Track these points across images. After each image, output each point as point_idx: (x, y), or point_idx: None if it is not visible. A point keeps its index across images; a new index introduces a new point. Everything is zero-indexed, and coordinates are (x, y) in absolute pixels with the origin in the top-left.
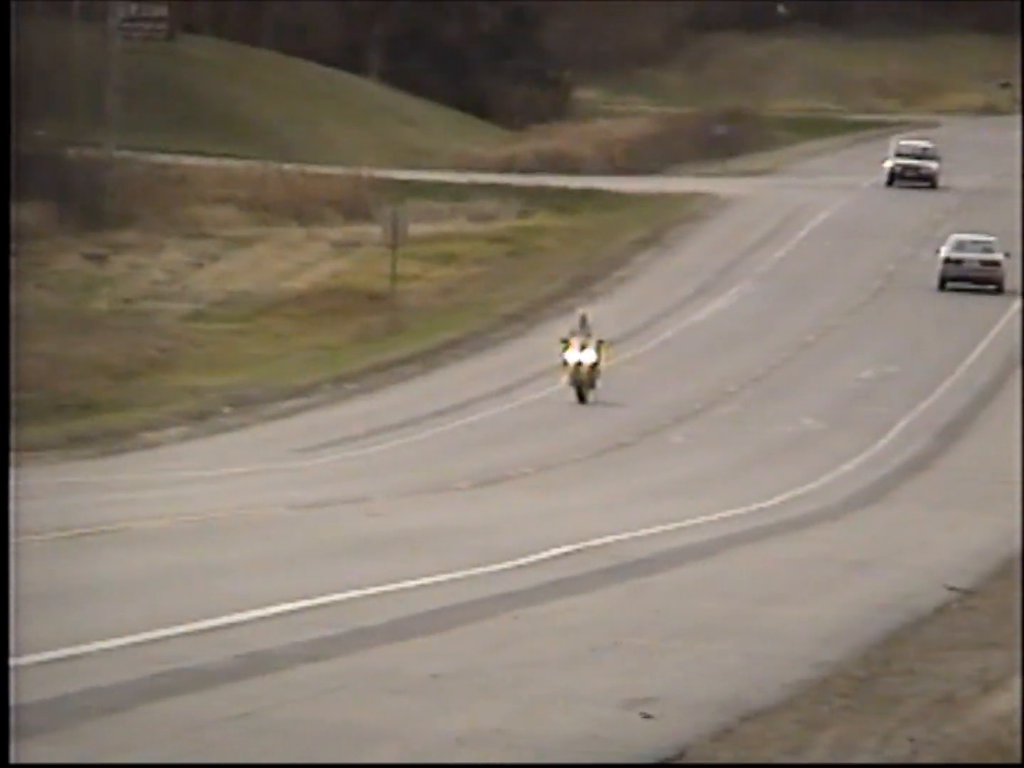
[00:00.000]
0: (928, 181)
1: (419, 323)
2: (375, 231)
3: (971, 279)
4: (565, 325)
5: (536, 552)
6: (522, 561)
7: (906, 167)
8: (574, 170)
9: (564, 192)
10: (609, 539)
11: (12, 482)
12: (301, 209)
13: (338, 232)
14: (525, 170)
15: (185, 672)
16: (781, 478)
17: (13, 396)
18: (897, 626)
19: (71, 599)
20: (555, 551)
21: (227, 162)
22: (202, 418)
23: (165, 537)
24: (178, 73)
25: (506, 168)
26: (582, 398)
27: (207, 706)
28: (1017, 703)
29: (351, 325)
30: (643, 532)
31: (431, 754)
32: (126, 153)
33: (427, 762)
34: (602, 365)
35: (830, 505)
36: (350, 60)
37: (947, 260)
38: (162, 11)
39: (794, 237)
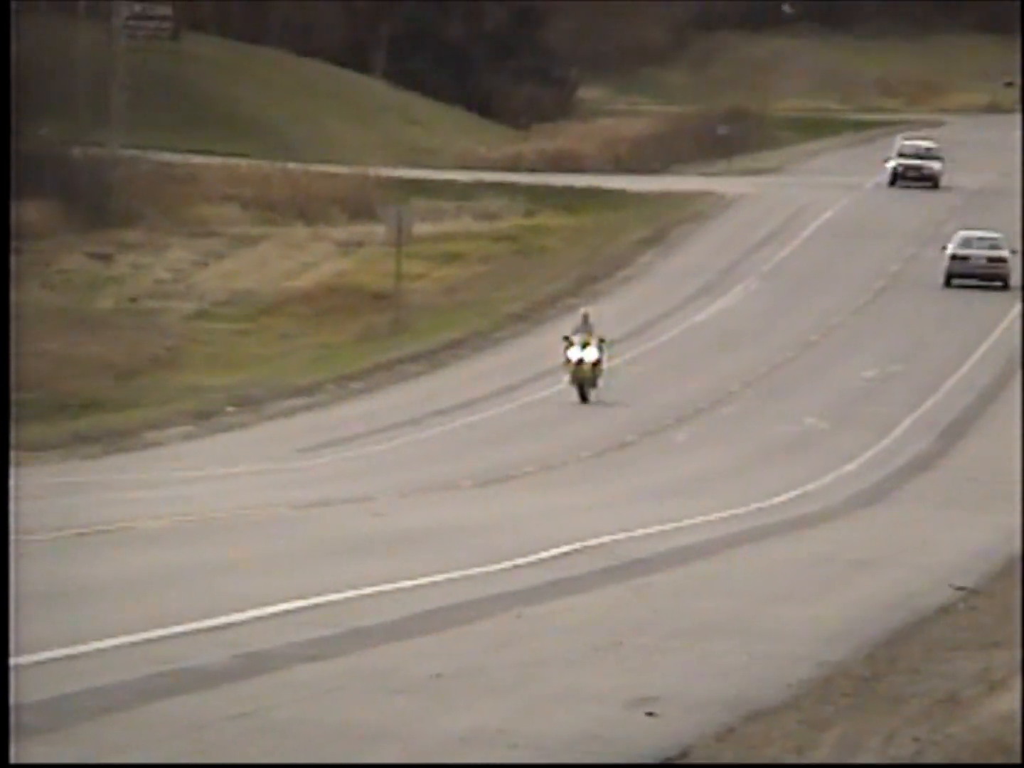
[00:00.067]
0: (931, 181)
1: (423, 322)
2: (380, 230)
3: (977, 275)
4: (568, 325)
5: (538, 551)
6: (523, 560)
7: (909, 167)
8: (578, 169)
9: (568, 191)
10: (611, 538)
11: (13, 481)
12: (306, 208)
13: (343, 231)
14: (530, 169)
15: (184, 672)
16: (783, 478)
17: (16, 395)
18: (899, 625)
19: (71, 599)
20: (557, 550)
21: (232, 161)
22: (205, 417)
23: (166, 537)
24: (182, 72)
25: (511, 167)
26: (584, 397)
27: (206, 706)
28: (1020, 703)
29: (355, 324)
30: (645, 532)
31: (432, 754)
32: (131, 152)
33: (428, 762)
34: (603, 364)
35: (832, 504)
36: (355, 59)
37: (953, 257)
38: (167, 10)
39: (797, 237)
